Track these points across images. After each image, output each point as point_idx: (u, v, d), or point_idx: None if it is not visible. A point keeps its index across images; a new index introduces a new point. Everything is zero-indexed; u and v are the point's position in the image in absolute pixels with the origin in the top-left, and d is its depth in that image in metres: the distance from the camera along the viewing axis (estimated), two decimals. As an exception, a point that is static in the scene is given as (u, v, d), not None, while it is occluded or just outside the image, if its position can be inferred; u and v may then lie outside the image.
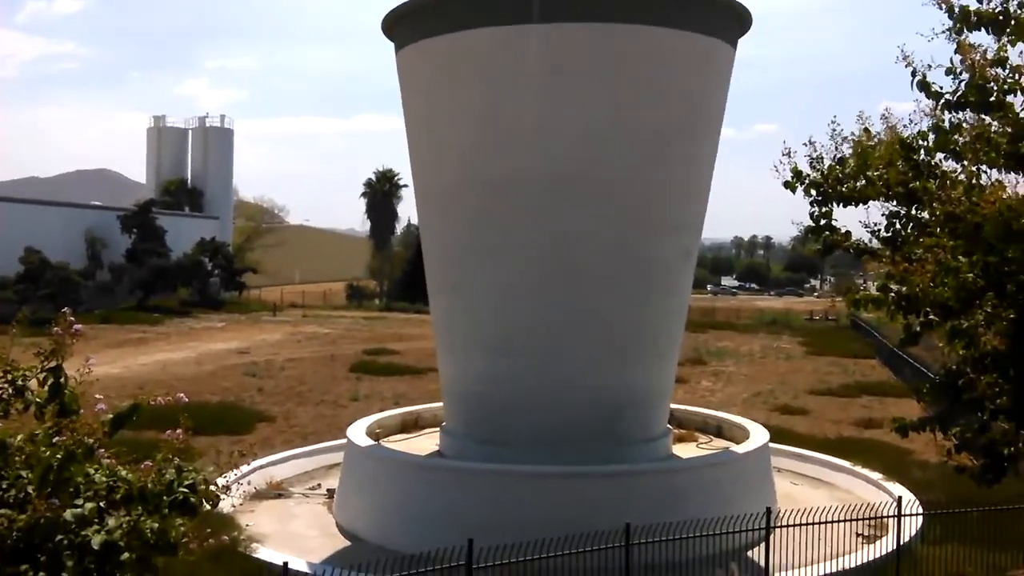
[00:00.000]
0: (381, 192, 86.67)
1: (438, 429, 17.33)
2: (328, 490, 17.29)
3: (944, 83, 10.14)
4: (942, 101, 10.21)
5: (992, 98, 9.89)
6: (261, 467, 17.41)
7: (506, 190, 15.09)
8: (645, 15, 14.44)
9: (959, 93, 10.02)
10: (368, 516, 15.33)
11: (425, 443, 17.40)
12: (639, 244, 15.27)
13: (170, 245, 67.78)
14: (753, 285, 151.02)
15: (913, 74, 10.32)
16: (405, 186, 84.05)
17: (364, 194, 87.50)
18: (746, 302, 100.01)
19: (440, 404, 17.93)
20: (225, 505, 14.03)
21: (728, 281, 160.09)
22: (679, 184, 15.55)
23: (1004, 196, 9.41)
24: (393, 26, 16.27)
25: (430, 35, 15.36)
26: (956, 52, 9.97)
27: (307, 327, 56.68)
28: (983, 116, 10.04)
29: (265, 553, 13.18)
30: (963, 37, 9.87)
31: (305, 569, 12.80)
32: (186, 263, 67.33)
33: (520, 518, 13.51)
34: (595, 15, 14.37)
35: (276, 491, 17.25)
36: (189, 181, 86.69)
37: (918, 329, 10.78)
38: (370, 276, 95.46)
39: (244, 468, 15.21)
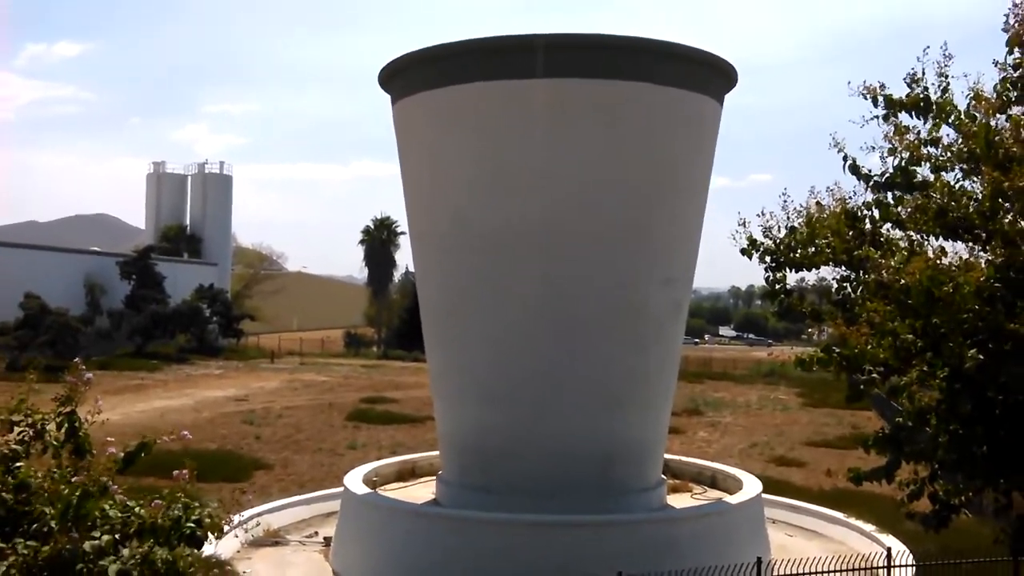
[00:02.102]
0: (379, 240, 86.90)
1: (434, 478, 17.47)
2: (325, 538, 17.37)
3: (885, 151, 11.32)
4: (871, 183, 11.26)
5: (915, 179, 10.99)
6: (258, 514, 17.51)
7: (501, 241, 15.38)
8: (636, 71, 14.87)
9: (887, 175, 11.12)
10: (364, 564, 15.42)
11: (422, 491, 17.52)
12: (630, 295, 15.53)
13: (168, 291, 68.12)
14: (751, 335, 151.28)
15: (845, 159, 11.33)
16: (403, 233, 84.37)
17: (362, 241, 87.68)
18: (744, 352, 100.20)
19: (437, 453, 18.08)
20: (226, 550, 14.16)
21: (726, 331, 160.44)
22: (669, 236, 15.87)
23: (924, 266, 10.07)
24: (390, 79, 16.64)
25: (429, 88, 15.72)
26: (894, 135, 11.08)
27: (305, 375, 56.78)
28: (909, 196, 11.16)
29: (262, 600, 13.28)
30: (898, 121, 11.09)
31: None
32: (184, 309, 67.55)
33: (515, 566, 13.63)
34: (593, 71, 14.81)
35: (273, 538, 17.34)
36: (188, 227, 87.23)
37: (862, 387, 11.49)
38: (368, 324, 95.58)
39: (246, 513, 15.35)
